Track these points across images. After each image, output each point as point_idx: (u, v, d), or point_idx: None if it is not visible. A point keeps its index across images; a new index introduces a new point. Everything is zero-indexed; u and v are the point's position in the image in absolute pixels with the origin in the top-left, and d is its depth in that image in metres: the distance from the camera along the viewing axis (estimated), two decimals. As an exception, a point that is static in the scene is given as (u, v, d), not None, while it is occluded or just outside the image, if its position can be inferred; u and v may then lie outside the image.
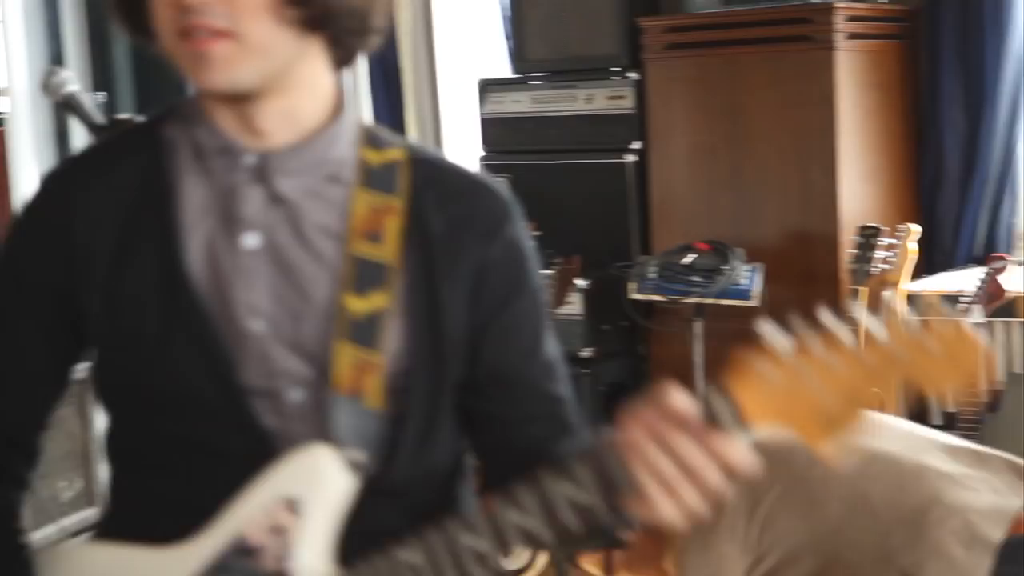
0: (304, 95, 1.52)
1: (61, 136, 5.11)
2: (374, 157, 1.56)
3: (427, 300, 1.53)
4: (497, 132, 5.29)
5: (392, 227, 1.52)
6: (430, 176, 1.58)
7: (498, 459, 1.63)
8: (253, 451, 1.49)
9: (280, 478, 1.46)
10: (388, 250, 1.51)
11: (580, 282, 4.84)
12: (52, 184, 1.58)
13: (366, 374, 1.49)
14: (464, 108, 5.72)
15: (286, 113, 1.52)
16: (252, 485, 1.47)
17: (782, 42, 4.46)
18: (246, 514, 1.46)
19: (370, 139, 1.59)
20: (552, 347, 1.65)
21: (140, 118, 2.52)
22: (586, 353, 4.84)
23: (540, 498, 1.39)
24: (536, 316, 1.62)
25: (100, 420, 4.34)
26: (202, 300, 1.49)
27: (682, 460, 1.35)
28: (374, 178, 1.54)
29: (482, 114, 5.33)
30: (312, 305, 1.51)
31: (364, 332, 1.49)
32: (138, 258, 1.50)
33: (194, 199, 1.52)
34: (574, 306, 4.84)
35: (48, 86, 2.57)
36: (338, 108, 1.56)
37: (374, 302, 1.50)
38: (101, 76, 4.84)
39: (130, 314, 1.50)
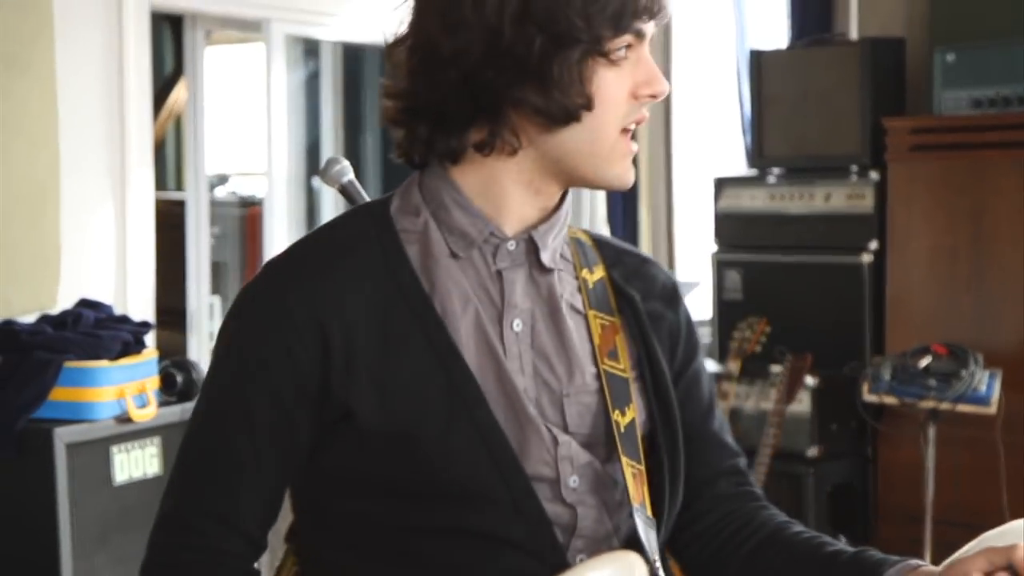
0: None
1: (310, 218, 5.35)
2: (584, 263, 1.64)
3: (649, 365, 1.61)
4: (731, 228, 5.32)
5: (622, 342, 1.60)
6: (612, 255, 1.68)
7: (690, 520, 1.68)
8: (532, 537, 1.50)
9: None
10: (624, 364, 1.59)
11: (810, 380, 4.81)
12: (288, 277, 1.51)
13: (640, 484, 1.57)
14: (698, 203, 5.77)
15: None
16: None
17: (1032, 146, 4.40)
18: None
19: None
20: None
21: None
22: (812, 453, 4.80)
23: None
24: (708, 375, 1.73)
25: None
26: (482, 388, 1.49)
27: None
28: (594, 297, 1.61)
29: (716, 210, 5.37)
30: (572, 384, 1.55)
31: (631, 445, 1.56)
32: (408, 349, 1.48)
33: (456, 286, 1.51)
34: (802, 404, 4.81)
35: (328, 174, 2.69)
36: None
37: (628, 415, 1.57)
38: (351, 162, 5.04)
39: (407, 406, 1.47)
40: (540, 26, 1.43)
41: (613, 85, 1.48)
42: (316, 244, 1.54)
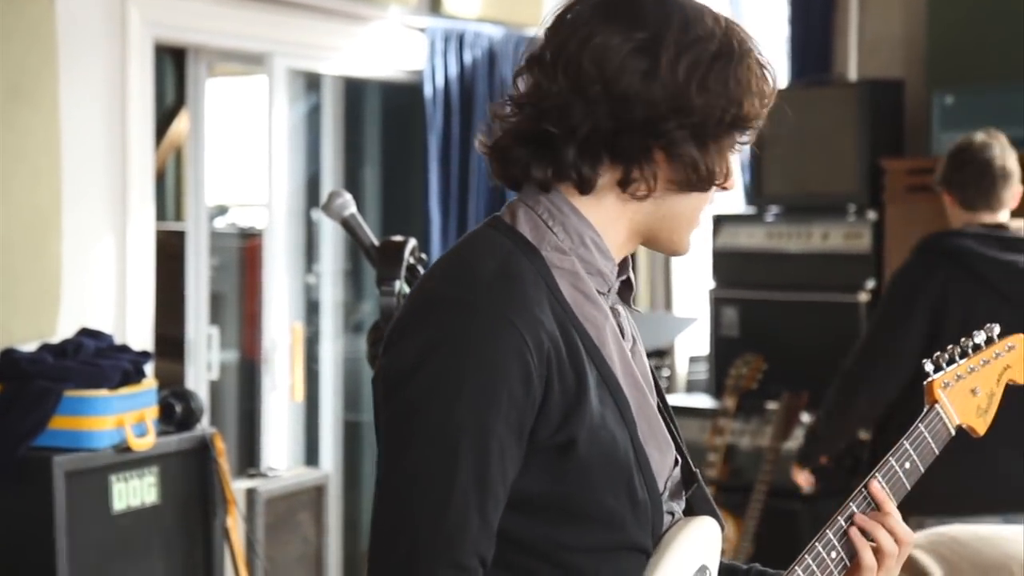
0: None
1: (309, 250, 5.37)
2: None
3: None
4: (729, 265, 5.35)
5: None
6: None
7: None
8: (654, 545, 1.64)
9: (699, 547, 1.66)
10: None
11: (806, 417, 4.83)
12: (507, 309, 1.53)
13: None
14: (696, 240, 5.79)
15: None
16: (678, 551, 1.63)
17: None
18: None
19: None
20: None
21: (412, 241, 2.60)
22: (806, 489, 4.80)
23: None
24: None
25: (334, 525, 4.47)
26: (635, 416, 1.60)
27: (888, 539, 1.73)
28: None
29: (714, 247, 5.39)
30: (652, 402, 1.66)
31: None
32: (590, 380, 1.55)
33: (603, 321, 1.60)
34: (798, 441, 4.81)
35: (331, 207, 2.71)
36: None
37: None
38: (351, 195, 5.07)
39: (605, 435, 1.56)
40: (723, 100, 1.56)
41: None
42: (501, 276, 1.55)
